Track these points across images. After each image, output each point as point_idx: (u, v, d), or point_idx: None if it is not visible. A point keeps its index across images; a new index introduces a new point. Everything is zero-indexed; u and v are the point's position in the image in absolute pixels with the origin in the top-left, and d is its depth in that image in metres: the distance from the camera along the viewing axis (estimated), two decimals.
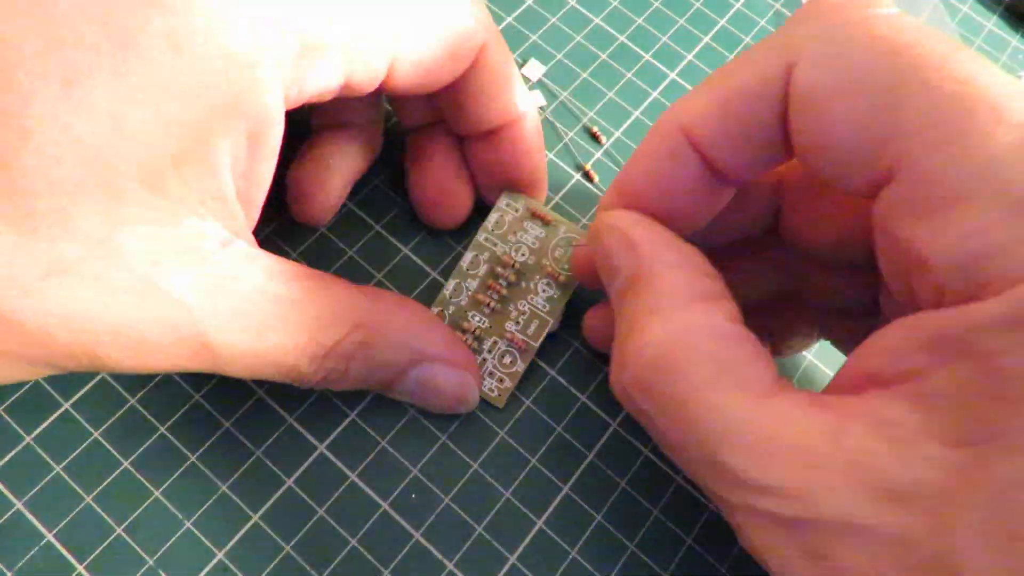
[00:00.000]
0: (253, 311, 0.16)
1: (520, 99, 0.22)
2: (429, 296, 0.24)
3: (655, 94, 0.29)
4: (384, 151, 0.25)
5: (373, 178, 0.25)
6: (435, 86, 0.20)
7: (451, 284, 0.23)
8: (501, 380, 0.23)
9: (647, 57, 0.30)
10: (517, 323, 0.23)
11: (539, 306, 0.23)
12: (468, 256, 0.23)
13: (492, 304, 0.23)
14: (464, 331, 0.22)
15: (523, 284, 0.23)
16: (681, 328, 0.15)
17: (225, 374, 0.17)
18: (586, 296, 0.24)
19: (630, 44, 0.30)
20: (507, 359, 0.23)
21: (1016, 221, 0.12)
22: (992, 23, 0.33)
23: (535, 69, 0.28)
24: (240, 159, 0.16)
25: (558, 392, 0.23)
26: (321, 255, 0.24)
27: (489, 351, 0.22)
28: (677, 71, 0.30)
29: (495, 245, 0.23)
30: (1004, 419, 0.11)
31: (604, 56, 0.29)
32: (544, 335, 0.23)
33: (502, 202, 0.23)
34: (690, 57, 0.30)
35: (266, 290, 0.17)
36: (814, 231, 0.19)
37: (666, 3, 0.31)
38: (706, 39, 0.30)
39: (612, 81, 0.29)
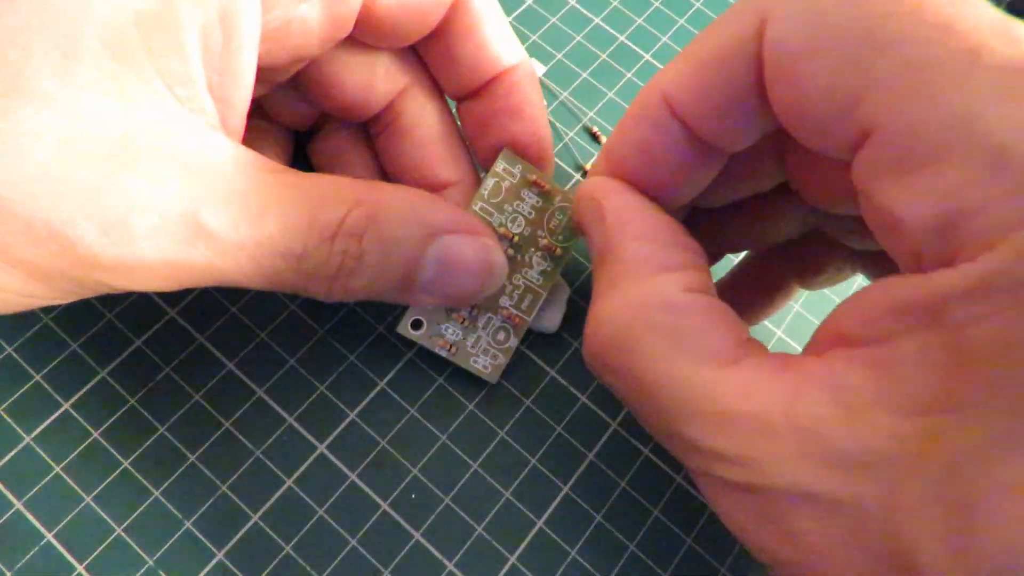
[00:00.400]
0: (246, 193, 0.15)
1: (511, 47, 0.21)
2: None
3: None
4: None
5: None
6: (415, 29, 0.19)
7: None
8: (495, 357, 0.22)
9: (647, 57, 0.30)
10: (511, 298, 0.22)
11: (533, 280, 0.22)
12: None
13: None
14: (458, 311, 0.22)
15: (519, 257, 0.22)
16: (637, 302, 0.15)
17: (233, 279, 0.16)
18: (587, 294, 0.24)
19: (630, 44, 0.30)
20: (501, 335, 0.22)
21: (991, 177, 0.11)
22: None
23: (535, 69, 0.28)
24: (213, 50, 0.15)
25: (558, 392, 0.23)
26: None
27: (484, 327, 0.22)
28: None
29: (491, 215, 0.22)
30: (963, 391, 0.11)
31: (604, 56, 0.29)
32: (537, 308, 0.22)
33: (499, 166, 0.22)
34: None
35: (256, 176, 0.16)
36: (818, 192, 0.18)
37: (666, 3, 0.31)
38: None
39: (612, 81, 0.29)
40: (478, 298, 0.20)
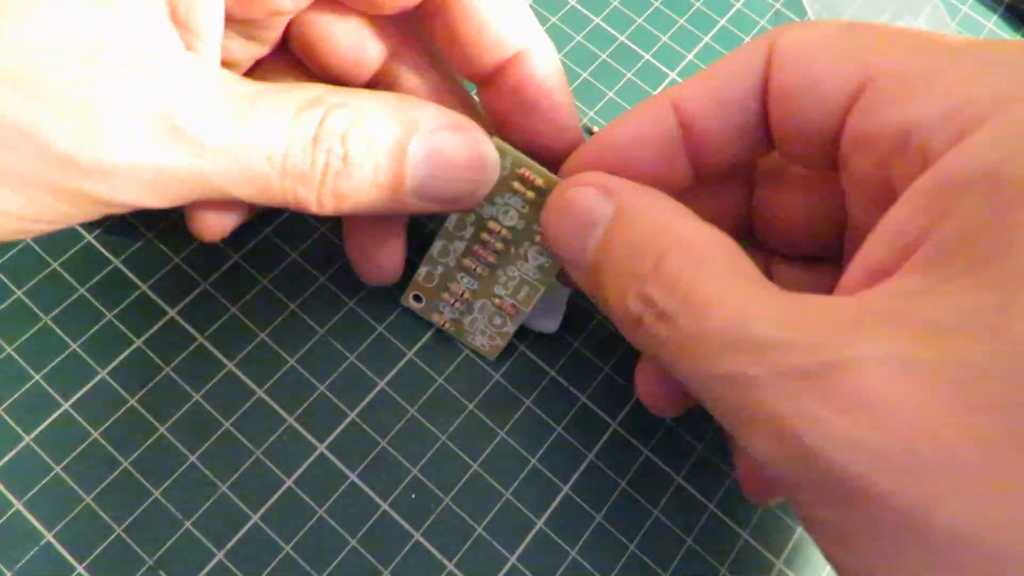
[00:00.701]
0: (224, 98, 0.16)
1: (520, 27, 0.19)
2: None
3: (655, 94, 0.29)
4: None
5: None
6: None
7: (438, 244, 0.22)
8: (492, 338, 0.23)
9: (647, 57, 0.30)
10: (506, 288, 0.22)
11: (530, 275, 0.21)
12: (453, 217, 0.21)
13: (479, 270, 0.22)
14: (452, 293, 0.22)
15: (513, 251, 0.21)
16: (692, 233, 0.16)
17: (220, 187, 0.16)
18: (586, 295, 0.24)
19: (630, 44, 0.30)
20: (497, 320, 0.22)
21: (988, 74, 0.14)
22: (992, 23, 0.33)
23: None
24: None
25: (558, 392, 0.23)
26: (317, 254, 0.24)
27: (480, 311, 0.22)
28: (677, 71, 0.30)
29: (480, 207, 0.21)
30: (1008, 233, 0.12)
31: (604, 56, 0.29)
32: (536, 299, 0.22)
33: None
34: (690, 57, 0.30)
35: (233, 84, 0.16)
36: (784, 212, 0.20)
37: (666, 3, 0.31)
38: (706, 39, 0.30)
39: (612, 81, 0.29)
40: (474, 200, 0.19)
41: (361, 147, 0.17)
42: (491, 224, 0.21)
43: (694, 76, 0.18)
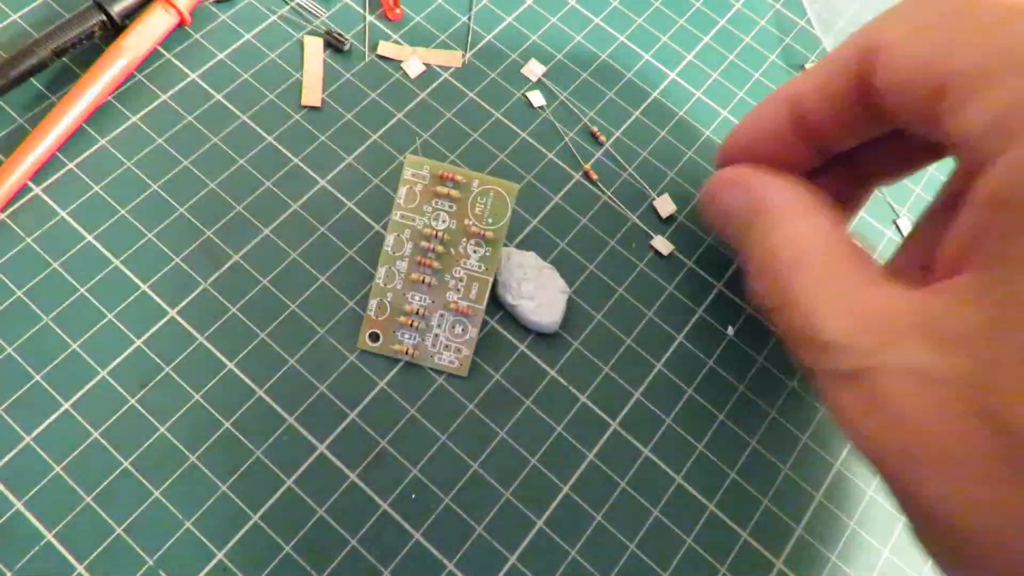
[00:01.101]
0: None
1: None
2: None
3: (655, 94, 0.29)
4: None
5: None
6: None
7: (381, 271, 0.23)
8: (458, 350, 0.23)
9: (647, 57, 0.30)
10: (457, 291, 0.23)
11: (474, 268, 0.23)
12: (390, 239, 0.23)
13: (428, 280, 0.23)
14: (408, 314, 0.23)
15: (452, 251, 0.23)
16: (801, 232, 0.19)
17: None
18: (586, 294, 0.24)
19: (630, 44, 0.30)
20: (458, 328, 0.23)
21: None
22: None
23: (535, 69, 0.28)
24: None
25: (558, 392, 0.23)
26: (264, 257, 0.24)
27: (438, 326, 0.23)
28: (677, 71, 0.30)
29: (413, 220, 0.23)
30: None
31: (604, 56, 0.29)
32: (487, 295, 0.23)
33: (406, 173, 0.22)
34: (690, 57, 0.30)
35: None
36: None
37: (666, 3, 0.31)
38: (706, 39, 0.30)
39: (612, 81, 0.29)
40: None
41: None
42: (427, 231, 0.22)
43: (803, 73, 0.21)
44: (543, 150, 0.27)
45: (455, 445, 0.22)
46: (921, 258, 0.21)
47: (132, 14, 0.26)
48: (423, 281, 0.23)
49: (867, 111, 0.19)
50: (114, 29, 0.26)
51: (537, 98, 0.28)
